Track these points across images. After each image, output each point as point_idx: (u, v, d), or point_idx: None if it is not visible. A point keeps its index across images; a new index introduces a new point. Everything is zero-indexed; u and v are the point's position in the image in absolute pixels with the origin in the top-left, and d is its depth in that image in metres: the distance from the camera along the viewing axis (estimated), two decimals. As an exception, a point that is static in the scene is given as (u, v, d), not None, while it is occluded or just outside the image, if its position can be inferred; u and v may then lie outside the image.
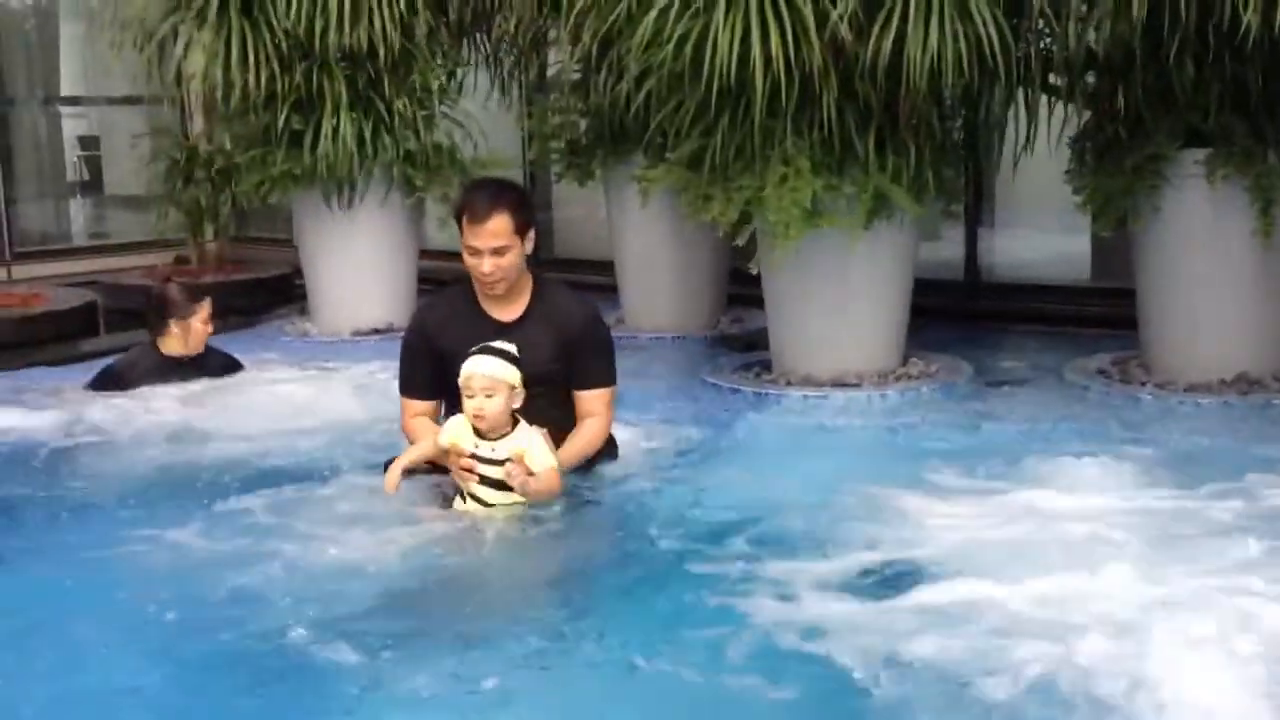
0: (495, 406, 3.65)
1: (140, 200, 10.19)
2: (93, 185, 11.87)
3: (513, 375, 3.68)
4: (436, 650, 2.90)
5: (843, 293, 5.57)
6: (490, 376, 3.65)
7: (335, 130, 7.04)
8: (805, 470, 4.41)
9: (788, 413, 5.33)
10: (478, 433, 3.71)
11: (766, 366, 5.91)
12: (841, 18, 4.99)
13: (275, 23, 6.91)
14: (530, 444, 3.70)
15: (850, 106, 5.31)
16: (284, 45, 6.95)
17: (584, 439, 4.00)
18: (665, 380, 5.95)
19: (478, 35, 7.70)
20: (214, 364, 5.83)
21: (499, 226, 3.84)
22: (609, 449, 4.20)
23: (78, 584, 3.46)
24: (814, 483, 4.15)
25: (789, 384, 5.62)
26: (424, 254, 7.77)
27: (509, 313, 3.98)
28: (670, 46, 5.26)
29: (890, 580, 3.27)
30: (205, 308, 5.74)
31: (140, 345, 5.85)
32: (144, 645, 3.01)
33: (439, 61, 7.41)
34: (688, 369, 6.14)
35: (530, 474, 3.67)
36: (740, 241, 5.55)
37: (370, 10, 6.89)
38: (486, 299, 3.98)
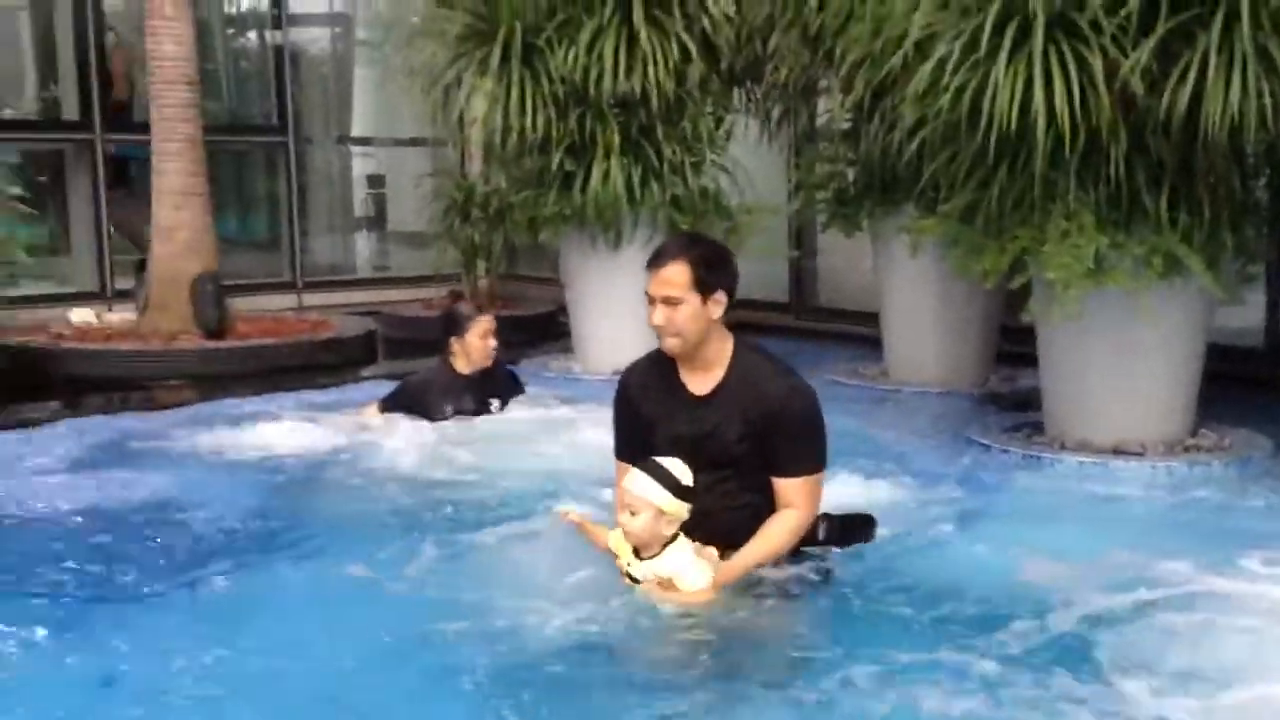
0: (637, 525, 3.39)
1: (420, 236, 10.67)
2: (377, 221, 12.52)
3: (663, 500, 3.38)
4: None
5: (1127, 354, 5.28)
6: (635, 495, 3.40)
7: (606, 174, 7.17)
8: (1085, 544, 4.08)
9: (1062, 478, 5.07)
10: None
11: (1038, 428, 5.66)
12: (1134, 69, 4.76)
13: (553, 71, 7.12)
14: (679, 568, 3.39)
15: (1140, 160, 5.05)
16: (560, 92, 7.15)
17: (773, 537, 3.53)
18: (929, 437, 5.78)
19: (748, 83, 7.72)
20: (501, 381, 5.89)
21: (674, 275, 3.49)
22: (862, 533, 3.81)
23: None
24: (1097, 559, 3.81)
25: (1063, 448, 5.36)
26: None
27: (703, 384, 3.59)
28: (948, 96, 5.12)
29: (1211, 679, 2.90)
30: (481, 324, 5.80)
31: (435, 363, 5.96)
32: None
33: (709, 109, 7.46)
34: (953, 426, 5.95)
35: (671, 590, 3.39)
36: (1013, 285, 5.36)
37: (645, 59, 7.01)
38: (683, 366, 3.61)
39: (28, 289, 7.39)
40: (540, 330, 9.16)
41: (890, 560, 3.83)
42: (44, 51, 10.70)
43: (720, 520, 3.53)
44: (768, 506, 3.56)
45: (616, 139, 7.21)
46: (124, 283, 9.28)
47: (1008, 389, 6.84)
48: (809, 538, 3.65)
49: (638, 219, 7.30)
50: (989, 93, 4.93)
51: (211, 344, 7.80)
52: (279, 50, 10.65)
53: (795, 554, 3.61)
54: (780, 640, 3.31)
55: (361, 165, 12.30)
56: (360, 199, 12.33)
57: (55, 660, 3.22)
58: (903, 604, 3.50)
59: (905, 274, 6.86)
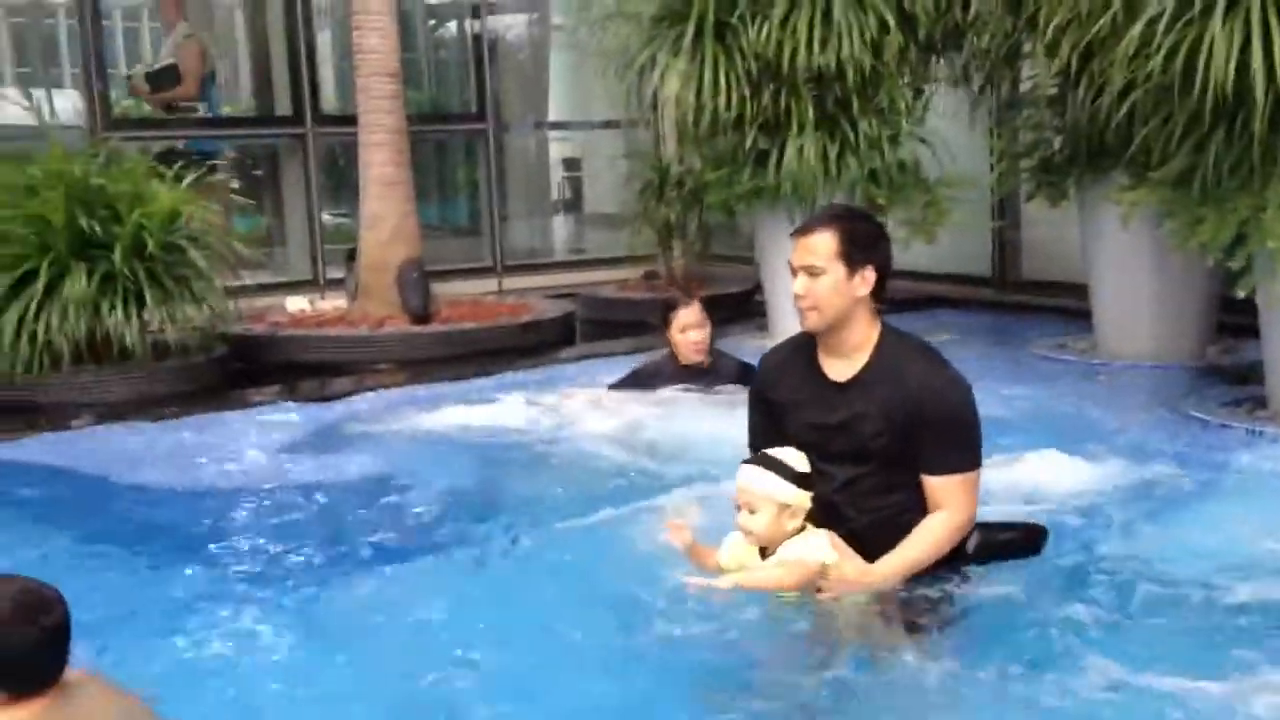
0: (758, 525, 3.15)
1: (616, 218, 10.77)
2: (574, 204, 12.69)
3: (783, 492, 3.13)
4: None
5: (1357, 325, 4.98)
6: (753, 490, 3.15)
7: (800, 150, 7.11)
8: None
9: (1288, 455, 4.81)
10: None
11: (1261, 403, 5.39)
12: (1366, 20, 4.47)
13: (746, 48, 7.08)
14: (803, 547, 3.15)
15: (1373, 118, 4.74)
16: (754, 69, 7.11)
17: (923, 541, 3.23)
18: (1141, 412, 5.56)
19: (947, 52, 7.53)
20: (726, 371, 5.74)
21: (819, 244, 3.24)
22: (1031, 543, 3.50)
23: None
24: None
25: (1288, 423, 5.10)
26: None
27: (844, 370, 3.30)
28: (1159, 57, 4.91)
29: None
30: (679, 318, 5.69)
31: (665, 351, 5.89)
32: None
33: (906, 80, 7.31)
34: (1168, 401, 5.71)
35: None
36: (1235, 266, 5.09)
37: (840, 32, 6.90)
38: (824, 350, 3.34)
39: (246, 279, 7.73)
40: (736, 309, 9.15)
41: (1111, 543, 3.71)
42: (258, 50, 11.18)
43: (857, 522, 3.26)
44: (916, 511, 3.26)
45: (811, 114, 7.13)
46: (335, 271, 9.65)
47: (1228, 361, 6.52)
48: (958, 550, 3.30)
49: (834, 195, 7.21)
50: (1204, 52, 4.71)
51: (417, 328, 8.04)
52: (478, 39, 10.88)
53: (936, 570, 3.27)
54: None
55: (558, 149, 12.48)
56: (557, 182, 12.52)
57: (299, 630, 3.38)
58: (1141, 597, 3.31)
59: (1116, 243, 6.60)
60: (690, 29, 7.12)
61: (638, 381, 5.87)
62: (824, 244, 3.24)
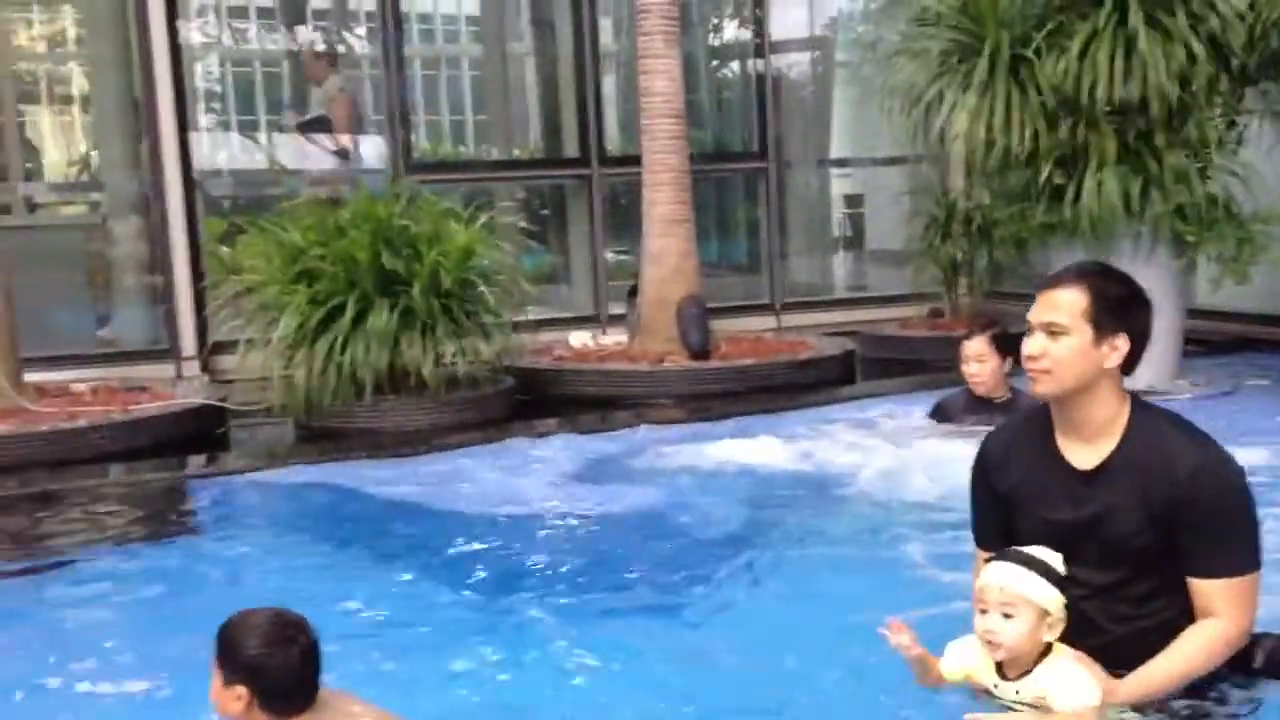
0: (1014, 634, 2.67)
1: (897, 255, 10.57)
2: (855, 241, 12.56)
3: (1046, 598, 2.67)
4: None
5: None
6: (1011, 592, 2.67)
7: (1099, 185, 6.79)
8: None
9: None
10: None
11: None
12: None
13: (1041, 82, 6.84)
14: (1060, 683, 2.66)
15: None
16: (1049, 103, 6.86)
17: (1188, 652, 2.73)
18: None
19: (1262, 81, 7.06)
20: (1024, 409, 5.62)
21: (1065, 299, 2.78)
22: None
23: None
24: None
25: None
26: (1193, 313, 7.28)
27: (1089, 456, 2.82)
28: None
29: None
30: (963, 350, 5.62)
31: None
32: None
33: (1218, 111, 6.89)
34: None
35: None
36: None
37: (1144, 64, 6.57)
38: (1062, 430, 2.86)
39: (533, 314, 7.98)
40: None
41: None
42: (547, 95, 11.58)
43: (1110, 635, 2.78)
44: (1184, 620, 2.78)
45: (1112, 148, 6.81)
46: (617, 307, 9.84)
47: None
48: (1239, 662, 2.81)
49: (1136, 231, 6.86)
50: None
51: (696, 365, 8.09)
52: (760, 78, 10.93)
53: (1214, 680, 2.79)
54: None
55: (839, 186, 12.40)
56: (838, 219, 12.43)
57: (570, 656, 3.43)
58: None
59: None
60: (982, 64, 6.93)
61: (937, 413, 5.85)
62: (1073, 300, 2.79)
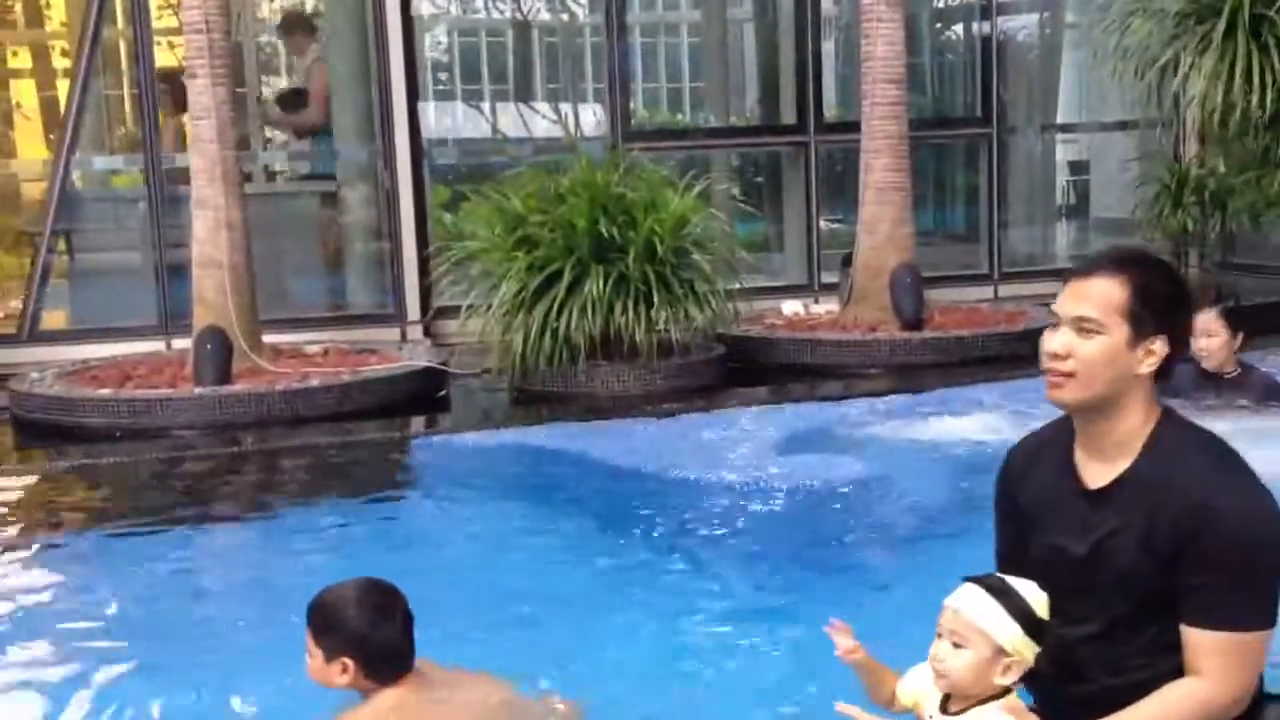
0: (958, 665, 2.27)
1: (1123, 224, 10.16)
2: (1078, 209, 12.12)
3: (1005, 635, 2.25)
4: None
5: None
6: (965, 620, 2.28)
7: (1349, 153, 6.41)
8: None
9: None
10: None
11: None
12: None
13: (1286, 40, 6.49)
14: None
15: None
16: (1294, 64, 6.50)
17: (1150, 713, 2.26)
18: None
19: None
20: (1252, 385, 5.31)
21: (1099, 291, 2.32)
22: None
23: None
24: None
25: None
26: None
27: (1103, 473, 2.36)
28: None
29: None
30: (1198, 322, 5.08)
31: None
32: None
33: None
34: None
35: None
36: None
37: None
38: (1083, 443, 2.41)
39: (746, 283, 7.99)
40: (1260, 322, 8.35)
41: None
42: (766, 61, 11.52)
43: (1101, 686, 2.34)
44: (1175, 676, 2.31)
45: (1365, 112, 6.42)
46: (829, 276, 9.76)
47: None
48: None
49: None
50: None
51: (909, 335, 7.97)
52: (985, 41, 10.63)
53: None
54: None
55: (1064, 152, 11.97)
56: (1061, 186, 12.02)
57: (778, 625, 3.46)
58: None
59: None
60: (1221, 24, 6.60)
61: (1163, 388, 5.54)
62: (1108, 293, 2.31)
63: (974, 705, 2.29)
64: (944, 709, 2.33)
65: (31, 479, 5.94)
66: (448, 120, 11.06)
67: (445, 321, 8.72)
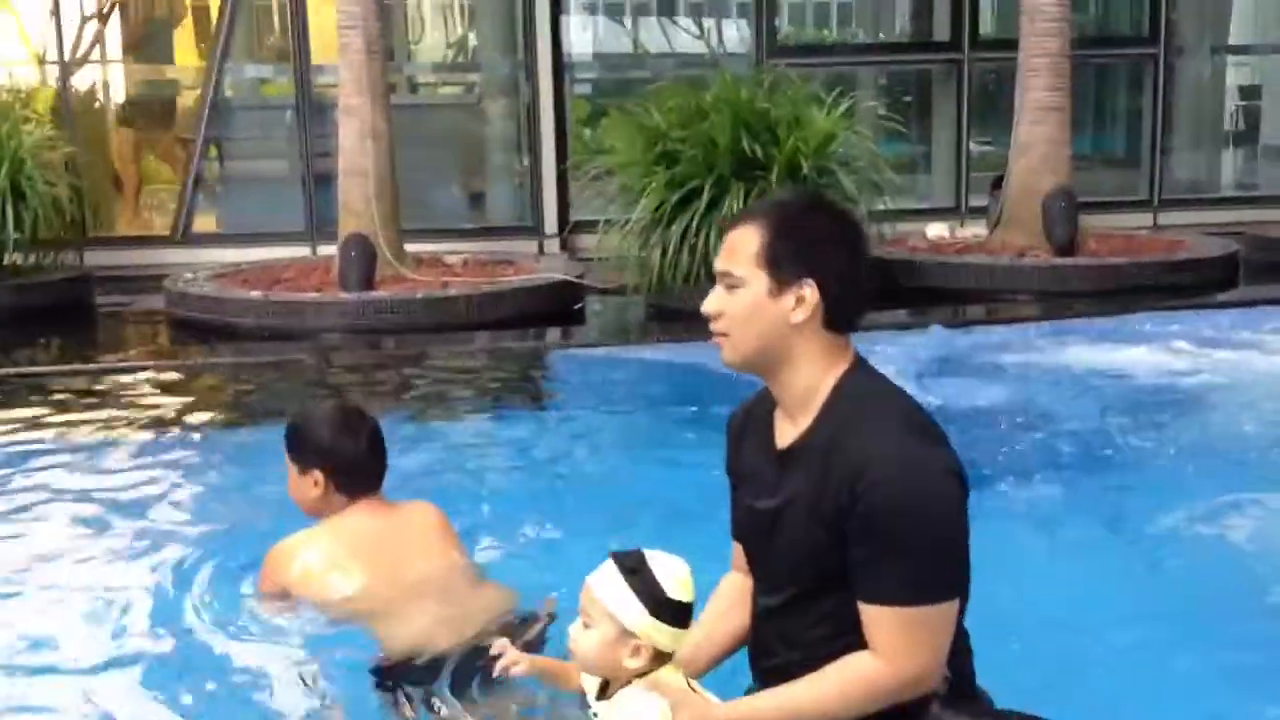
0: (584, 646, 2.12)
1: (1297, 152, 9.66)
2: (1246, 135, 11.55)
3: (629, 616, 2.08)
4: None
5: None
6: (592, 598, 2.12)
7: None
8: None
9: None
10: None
11: None
12: None
13: None
14: (617, 715, 2.14)
15: None
16: None
17: (819, 688, 2.07)
18: None
19: None
20: None
21: (738, 243, 2.11)
22: None
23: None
24: None
25: None
26: None
27: (789, 433, 2.16)
28: None
29: None
30: None
31: None
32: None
33: None
34: None
35: None
36: None
37: None
38: (779, 404, 2.19)
39: (891, 204, 7.78)
40: None
41: None
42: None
43: (779, 661, 2.18)
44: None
45: None
46: (977, 199, 9.47)
47: None
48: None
49: None
50: None
51: (1060, 260, 7.70)
52: (1153, -46, 10.13)
53: None
54: None
55: (1234, 75, 11.38)
56: (1230, 111, 11.44)
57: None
58: None
59: None
60: None
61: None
62: (745, 243, 2.11)
63: (621, 688, 2.12)
64: (602, 694, 2.17)
65: (183, 375, 6.11)
66: (590, 35, 10.95)
67: (582, 236, 8.72)
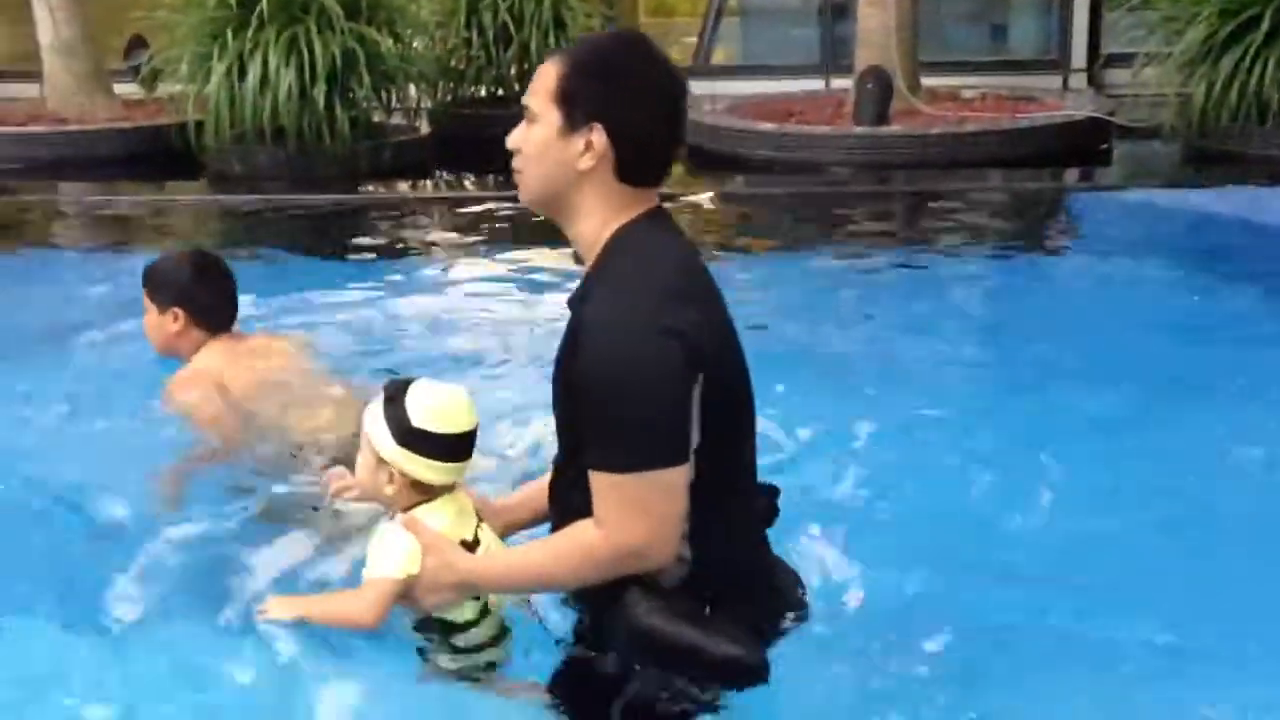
0: (357, 470, 2.16)
1: None
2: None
3: (378, 441, 2.08)
4: None
5: None
6: (362, 425, 2.12)
7: None
8: None
9: None
10: None
11: None
12: None
13: None
14: (371, 547, 2.12)
15: None
16: None
17: (545, 550, 2.08)
18: None
19: None
20: None
21: (541, 76, 1.98)
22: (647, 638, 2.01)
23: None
24: None
25: None
26: None
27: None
28: None
29: None
30: None
31: None
32: None
33: None
34: None
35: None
36: None
37: None
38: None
39: None
40: None
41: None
42: None
43: (553, 527, 2.15)
44: None
45: None
46: None
47: None
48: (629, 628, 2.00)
49: None
50: None
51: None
52: None
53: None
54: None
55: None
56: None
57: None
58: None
59: None
60: None
61: None
62: (546, 75, 1.98)
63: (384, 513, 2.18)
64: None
65: (700, 200, 6.30)
66: None
67: (1115, 70, 8.13)
